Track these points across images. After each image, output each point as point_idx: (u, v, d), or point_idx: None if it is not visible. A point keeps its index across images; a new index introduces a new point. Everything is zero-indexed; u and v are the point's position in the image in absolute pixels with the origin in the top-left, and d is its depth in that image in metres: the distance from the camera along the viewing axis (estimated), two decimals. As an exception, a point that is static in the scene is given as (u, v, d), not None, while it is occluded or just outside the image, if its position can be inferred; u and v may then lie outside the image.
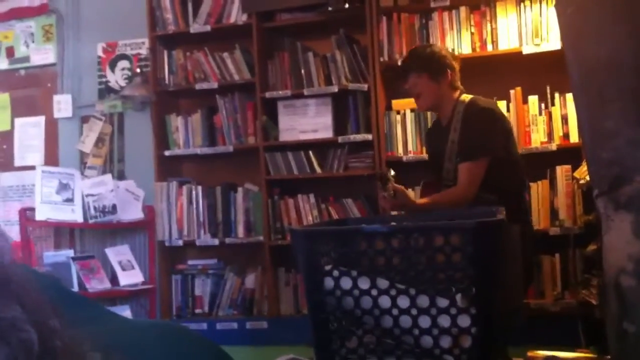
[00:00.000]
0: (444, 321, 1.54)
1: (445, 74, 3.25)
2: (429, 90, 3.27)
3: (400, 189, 2.98)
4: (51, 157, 5.14)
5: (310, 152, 4.48)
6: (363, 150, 4.40)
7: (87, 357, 0.60)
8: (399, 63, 3.64)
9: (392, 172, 3.05)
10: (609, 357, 1.94)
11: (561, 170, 4.03)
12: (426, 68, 3.25)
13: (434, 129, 3.57)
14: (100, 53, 5.14)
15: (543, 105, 4.11)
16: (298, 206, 4.51)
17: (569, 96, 3.96)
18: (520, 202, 3.20)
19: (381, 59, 4.32)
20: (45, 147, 5.18)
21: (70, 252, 4.58)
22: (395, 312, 1.57)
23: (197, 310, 4.67)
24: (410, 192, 3.26)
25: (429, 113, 4.14)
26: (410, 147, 4.31)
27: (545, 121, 4.10)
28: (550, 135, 4.08)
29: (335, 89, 4.44)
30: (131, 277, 4.57)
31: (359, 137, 4.38)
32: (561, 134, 4.06)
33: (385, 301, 1.58)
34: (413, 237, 1.61)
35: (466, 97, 3.26)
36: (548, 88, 4.08)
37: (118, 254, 4.63)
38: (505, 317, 2.17)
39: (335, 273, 1.62)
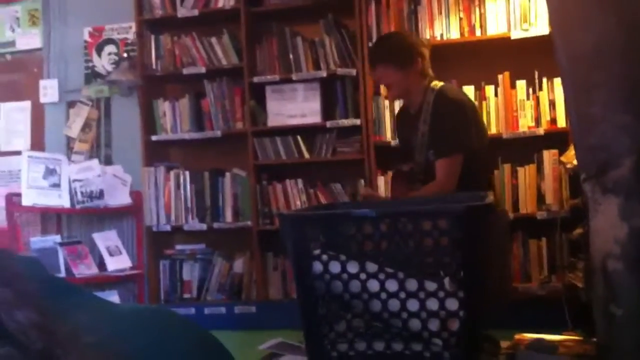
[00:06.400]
0: (432, 304, 1.55)
1: (414, 63, 3.17)
2: (396, 81, 3.20)
3: (370, 194, 3.01)
4: (37, 143, 5.10)
5: (299, 137, 4.47)
6: (351, 135, 4.40)
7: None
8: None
9: (362, 183, 3.11)
10: (595, 339, 1.96)
11: (548, 155, 4.04)
12: (392, 59, 3.18)
13: (402, 115, 3.50)
14: (86, 37, 5.09)
15: (531, 90, 4.11)
16: (286, 191, 4.51)
17: (557, 81, 3.97)
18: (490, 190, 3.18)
19: (370, 44, 4.30)
20: (32, 132, 5.14)
21: (58, 238, 4.56)
22: (383, 295, 1.58)
23: (186, 295, 4.66)
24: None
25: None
26: (398, 132, 4.31)
27: (533, 106, 4.10)
28: (537, 119, 4.09)
29: (323, 73, 4.42)
30: (119, 263, 4.56)
31: (347, 122, 4.38)
32: (548, 118, 4.08)
33: (373, 285, 1.58)
34: (401, 221, 1.61)
35: (436, 84, 3.19)
36: (536, 73, 4.09)
37: (105, 239, 4.61)
38: (493, 301, 2.18)
39: (324, 257, 1.62)
